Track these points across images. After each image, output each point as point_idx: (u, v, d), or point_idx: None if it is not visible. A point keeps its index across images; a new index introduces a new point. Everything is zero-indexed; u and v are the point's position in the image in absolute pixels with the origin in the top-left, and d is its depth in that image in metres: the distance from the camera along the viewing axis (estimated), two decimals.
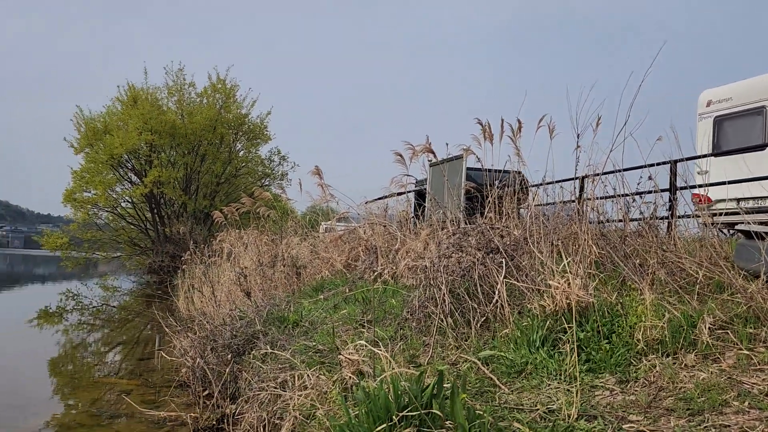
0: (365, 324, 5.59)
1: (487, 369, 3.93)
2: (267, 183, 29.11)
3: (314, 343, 5.40)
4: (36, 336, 12.96)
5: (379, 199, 11.91)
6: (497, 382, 3.70)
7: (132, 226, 28.13)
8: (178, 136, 26.03)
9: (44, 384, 8.17)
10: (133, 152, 25.63)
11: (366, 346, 4.04)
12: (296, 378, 4.39)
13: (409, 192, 11.65)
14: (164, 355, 8.32)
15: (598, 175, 5.90)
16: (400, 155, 10.16)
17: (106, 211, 27.05)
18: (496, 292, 4.75)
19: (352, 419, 3.24)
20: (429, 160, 10.66)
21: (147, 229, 27.76)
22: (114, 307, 19.48)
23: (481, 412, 3.08)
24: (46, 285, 32.38)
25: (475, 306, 4.83)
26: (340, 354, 4.11)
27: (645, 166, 6.00)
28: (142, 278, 28.35)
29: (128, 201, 27.66)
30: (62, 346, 11.38)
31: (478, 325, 4.67)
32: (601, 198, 6.11)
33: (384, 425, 3.01)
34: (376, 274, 8.23)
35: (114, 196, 26.73)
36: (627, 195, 5.92)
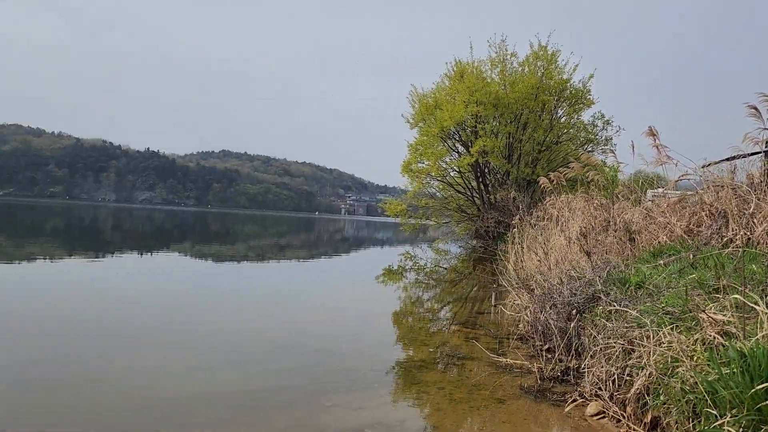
0: (719, 289, 5.22)
1: None
2: (590, 149, 28.28)
3: (662, 305, 5.24)
4: (382, 290, 14.77)
5: (726, 160, 10.75)
6: None
7: (459, 194, 30.05)
8: (501, 106, 26.82)
9: (392, 330, 9.35)
10: (460, 124, 27.26)
11: (742, 301, 3.81)
12: (651, 335, 4.35)
13: (763, 152, 10.30)
14: (503, 309, 8.89)
15: None
16: (755, 108, 9.01)
17: (437, 180, 29.38)
18: None
19: (724, 376, 3.13)
20: None
21: (473, 196, 29.40)
22: (444, 268, 21.08)
23: None
24: (385, 248, 36.67)
25: None
26: (702, 313, 3.95)
27: None
28: (468, 243, 30.23)
29: (456, 170, 29.57)
30: (402, 301, 12.72)
31: None
32: None
33: (766, 384, 2.85)
34: (726, 239, 7.57)
35: (443, 166, 28.90)
36: None
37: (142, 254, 20.98)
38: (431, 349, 7.32)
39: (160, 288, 12.36)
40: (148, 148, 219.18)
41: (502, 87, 27.45)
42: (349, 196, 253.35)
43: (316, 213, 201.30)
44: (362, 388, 5.55)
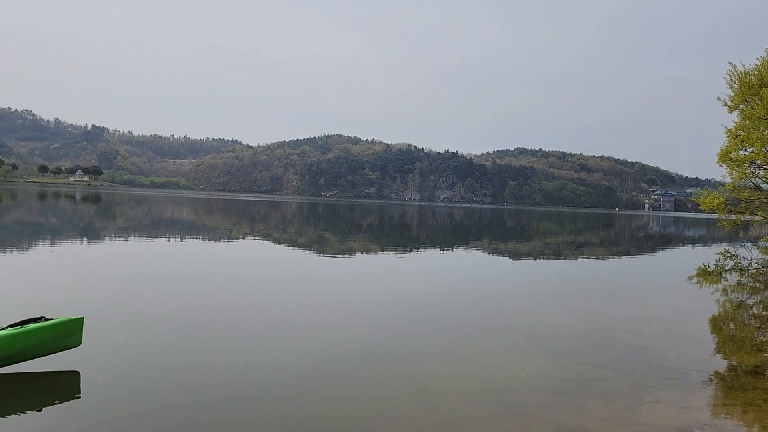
0: None
1: None
2: None
3: None
4: (696, 291, 13.45)
5: None
6: None
7: None
8: None
9: (712, 333, 8.52)
10: None
11: None
12: None
13: None
14: None
15: None
16: None
17: (764, 169, 25.47)
18: None
19: None
20: None
21: None
22: None
23: None
24: (697, 246, 33.14)
25: None
26: None
27: None
28: None
29: None
30: (722, 305, 11.40)
31: None
32: None
33: None
34: None
35: None
36: None
37: (443, 250, 22.30)
38: (766, 355, 6.44)
39: (471, 282, 13.39)
40: (448, 150, 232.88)
41: None
42: (653, 191, 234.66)
43: (616, 209, 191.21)
44: (685, 388, 5.26)
